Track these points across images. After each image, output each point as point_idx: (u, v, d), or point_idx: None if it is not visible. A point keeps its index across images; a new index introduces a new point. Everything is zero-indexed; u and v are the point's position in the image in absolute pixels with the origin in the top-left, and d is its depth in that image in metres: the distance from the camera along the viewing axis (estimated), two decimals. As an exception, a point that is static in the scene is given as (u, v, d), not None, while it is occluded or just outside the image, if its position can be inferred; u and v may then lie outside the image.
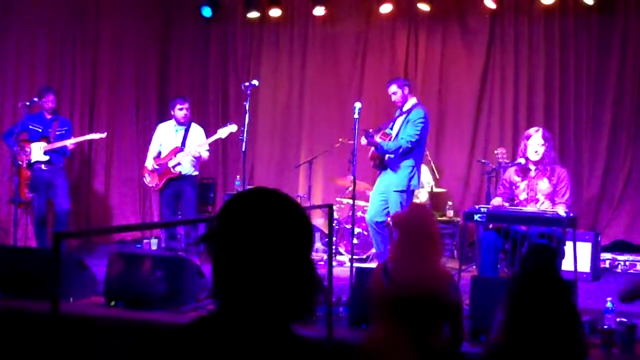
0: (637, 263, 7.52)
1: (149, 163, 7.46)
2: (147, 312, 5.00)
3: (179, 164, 7.28)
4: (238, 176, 8.73)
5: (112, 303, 5.21)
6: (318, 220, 8.66)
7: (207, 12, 9.43)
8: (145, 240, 8.48)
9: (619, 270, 7.52)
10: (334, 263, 7.28)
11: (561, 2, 8.25)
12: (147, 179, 7.46)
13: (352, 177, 6.10)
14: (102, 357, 4.58)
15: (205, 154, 7.41)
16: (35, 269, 5.26)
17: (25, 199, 7.19)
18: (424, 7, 8.63)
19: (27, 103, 7.07)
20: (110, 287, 5.30)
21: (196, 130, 7.52)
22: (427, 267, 3.39)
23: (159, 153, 7.47)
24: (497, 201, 5.63)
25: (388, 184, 6.38)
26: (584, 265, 6.78)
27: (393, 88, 6.55)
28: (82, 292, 5.42)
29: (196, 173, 7.54)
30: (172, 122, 7.50)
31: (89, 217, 8.54)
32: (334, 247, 7.56)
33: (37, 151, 7.16)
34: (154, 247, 8.38)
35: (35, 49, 7.98)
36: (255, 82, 6.97)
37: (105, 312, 5.09)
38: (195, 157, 7.33)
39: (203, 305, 5.25)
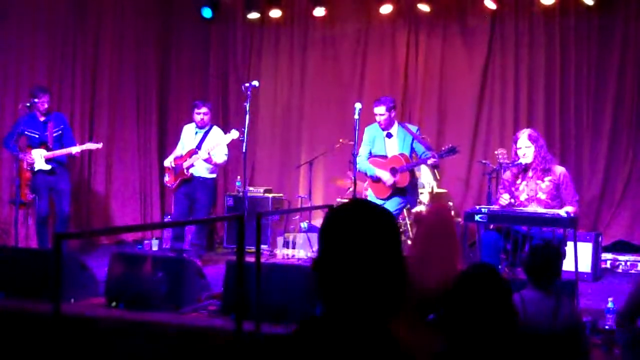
0: (638, 263, 7.52)
1: (168, 161, 7.48)
2: (148, 313, 5.00)
3: (191, 165, 7.26)
4: (239, 177, 8.74)
5: (113, 304, 5.21)
6: (319, 220, 8.67)
7: (207, 13, 9.44)
8: (146, 241, 8.49)
9: (619, 270, 7.52)
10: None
11: (561, 2, 8.25)
12: (166, 178, 7.49)
13: (352, 178, 6.13)
14: (103, 358, 4.58)
15: (218, 158, 7.28)
16: (36, 269, 5.27)
17: (26, 200, 7.19)
18: (424, 7, 8.63)
19: (28, 104, 7.06)
20: (111, 287, 5.31)
21: (215, 133, 7.42)
22: (446, 268, 3.37)
23: (181, 154, 7.48)
24: (505, 198, 5.57)
25: (400, 202, 6.40)
26: (585, 266, 6.78)
27: (382, 109, 6.34)
28: (83, 292, 5.43)
29: (212, 176, 7.44)
30: (194, 124, 7.51)
31: (89, 218, 8.54)
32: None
33: (39, 159, 7.14)
34: (154, 248, 8.39)
35: (36, 50, 7.98)
36: (255, 82, 6.97)
37: (106, 312, 5.10)
38: (207, 162, 7.25)
39: (203, 305, 5.25)
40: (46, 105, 7.22)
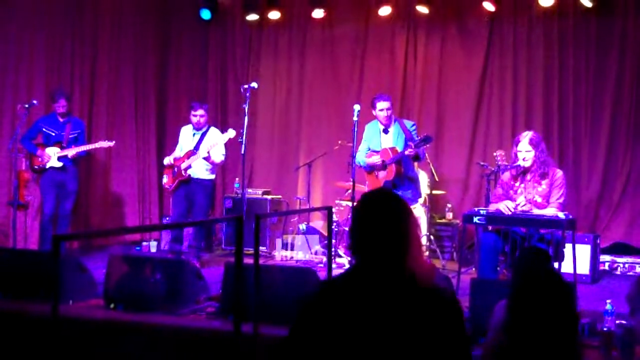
0: (636, 265, 7.52)
1: (168, 160, 7.50)
2: (146, 315, 5.00)
3: (189, 167, 7.27)
4: (237, 178, 8.74)
5: (112, 305, 5.21)
6: (317, 222, 8.67)
7: (206, 14, 9.45)
8: (144, 243, 8.48)
9: (618, 272, 7.52)
10: (334, 265, 7.27)
11: (560, 5, 8.26)
12: (165, 179, 7.50)
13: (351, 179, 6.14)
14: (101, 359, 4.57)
15: (217, 158, 7.29)
16: (34, 271, 5.26)
17: (24, 202, 7.22)
18: (423, 9, 8.64)
19: (26, 106, 7.09)
20: (110, 289, 5.30)
21: (212, 133, 7.42)
22: (409, 260, 3.39)
23: (179, 155, 7.47)
24: (509, 206, 5.50)
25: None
26: (583, 268, 6.78)
27: (387, 104, 6.46)
28: (82, 294, 5.41)
29: (211, 177, 7.45)
30: (191, 125, 7.51)
31: (88, 219, 8.53)
32: (333, 249, 7.55)
33: (52, 157, 7.26)
34: (153, 250, 8.38)
35: (35, 51, 7.97)
36: (254, 84, 6.97)
37: (105, 314, 5.09)
38: (206, 161, 7.27)
39: (202, 307, 5.24)
40: (62, 109, 7.39)
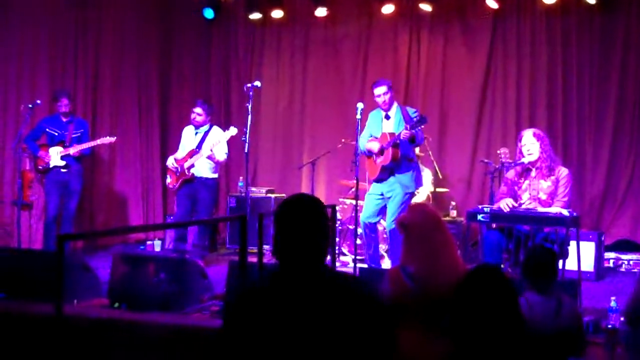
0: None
1: (170, 161, 7.51)
2: (150, 314, 5.00)
3: (192, 166, 7.28)
4: (241, 177, 8.74)
5: (116, 305, 5.22)
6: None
7: (209, 13, 9.44)
8: (148, 242, 8.49)
9: (622, 269, 7.51)
10: (337, 264, 7.28)
11: (563, 2, 8.24)
12: (168, 179, 7.53)
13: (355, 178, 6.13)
14: (105, 359, 4.58)
15: (219, 156, 7.33)
16: (38, 270, 5.26)
17: (28, 201, 7.24)
18: (426, 7, 8.63)
19: (30, 106, 7.10)
20: (114, 288, 5.31)
21: (215, 132, 7.45)
22: (448, 260, 3.36)
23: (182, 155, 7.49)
24: (508, 203, 5.48)
25: (396, 186, 6.34)
26: (588, 265, 6.78)
27: (383, 89, 6.42)
28: (86, 294, 5.42)
29: (214, 176, 7.49)
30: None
31: (92, 219, 8.55)
32: (337, 247, 7.56)
33: (55, 156, 7.30)
34: (157, 249, 8.39)
35: (38, 52, 8.00)
36: (257, 83, 6.97)
37: (109, 313, 5.09)
38: (210, 159, 7.29)
39: (206, 306, 5.25)
40: (65, 109, 7.44)
